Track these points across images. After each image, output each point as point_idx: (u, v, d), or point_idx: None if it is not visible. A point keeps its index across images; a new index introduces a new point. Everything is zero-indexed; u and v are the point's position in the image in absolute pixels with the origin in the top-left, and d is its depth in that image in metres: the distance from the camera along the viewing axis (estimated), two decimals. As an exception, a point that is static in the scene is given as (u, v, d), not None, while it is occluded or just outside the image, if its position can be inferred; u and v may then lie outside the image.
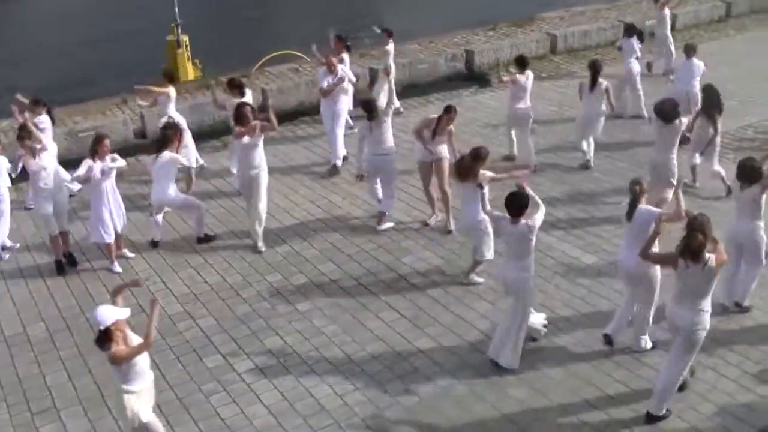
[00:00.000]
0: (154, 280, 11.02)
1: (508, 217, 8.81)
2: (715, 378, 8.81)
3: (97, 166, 10.78)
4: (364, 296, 10.55)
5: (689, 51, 15.48)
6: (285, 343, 9.64)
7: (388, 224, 12.45)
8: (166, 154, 11.44)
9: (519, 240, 8.77)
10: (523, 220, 8.73)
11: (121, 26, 30.51)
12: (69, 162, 13.24)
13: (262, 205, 11.74)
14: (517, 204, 8.79)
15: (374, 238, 12.04)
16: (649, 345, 9.20)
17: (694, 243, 7.49)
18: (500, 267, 9.48)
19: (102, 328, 6.80)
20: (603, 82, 13.76)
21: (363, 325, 9.92)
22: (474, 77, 19.35)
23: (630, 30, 16.78)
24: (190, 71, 19.88)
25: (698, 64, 15.37)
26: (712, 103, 12.59)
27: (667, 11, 19.04)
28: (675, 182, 10.89)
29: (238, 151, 11.79)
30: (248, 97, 13.44)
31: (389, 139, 12.20)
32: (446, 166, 12.00)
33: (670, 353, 8.15)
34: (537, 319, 9.41)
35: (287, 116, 16.73)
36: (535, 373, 8.98)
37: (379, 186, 12.56)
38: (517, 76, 14.15)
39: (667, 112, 11.37)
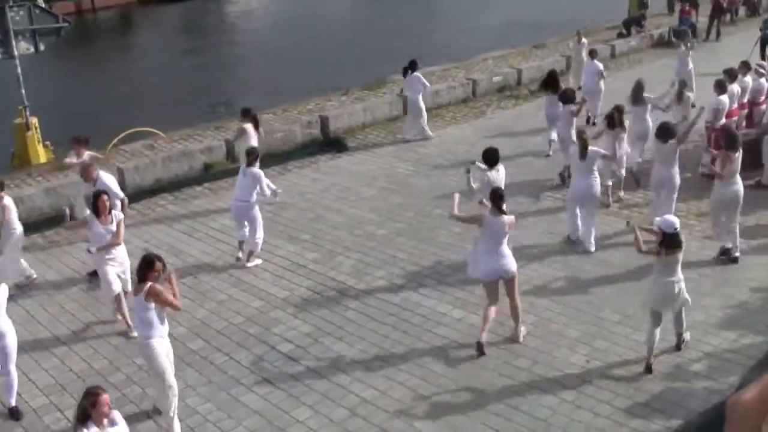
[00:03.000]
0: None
1: None
2: (589, 417, 9.07)
3: None
4: (237, 371, 10.41)
5: (593, 54, 20.48)
6: (159, 427, 9.40)
7: (257, 261, 13.31)
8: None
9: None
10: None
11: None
12: None
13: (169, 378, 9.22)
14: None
15: (243, 311, 11.93)
16: None
17: None
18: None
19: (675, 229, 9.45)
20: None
21: (238, 400, 9.77)
22: (330, 142, 19.53)
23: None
24: (41, 154, 19.36)
25: (599, 64, 20.18)
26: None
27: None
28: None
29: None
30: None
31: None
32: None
33: None
34: None
35: (145, 193, 16.52)
36: (414, 432, 9.05)
37: (247, 229, 13.35)
38: None
39: (568, 96, 16.10)
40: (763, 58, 21.83)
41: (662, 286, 9.72)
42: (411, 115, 19.68)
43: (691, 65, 20.59)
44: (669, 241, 9.50)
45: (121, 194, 13.25)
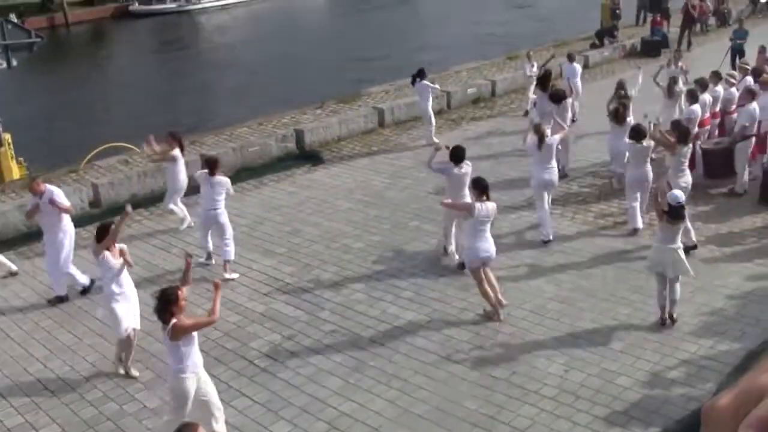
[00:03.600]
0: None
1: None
2: (568, 426, 9.09)
3: None
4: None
5: (571, 57, 21.30)
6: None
7: (234, 275, 13.29)
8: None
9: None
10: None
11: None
12: None
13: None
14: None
15: (220, 326, 11.83)
16: None
17: None
18: None
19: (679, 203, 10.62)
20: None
21: (216, 416, 9.72)
22: (306, 156, 19.51)
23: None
24: (14, 170, 19.23)
25: (578, 66, 21.39)
26: None
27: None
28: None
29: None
30: None
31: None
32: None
33: None
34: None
35: (121, 209, 16.38)
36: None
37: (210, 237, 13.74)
38: None
39: (559, 96, 17.35)
40: (733, 67, 22.02)
41: (663, 252, 10.88)
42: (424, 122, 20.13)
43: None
44: (673, 213, 10.67)
45: (68, 203, 13.03)
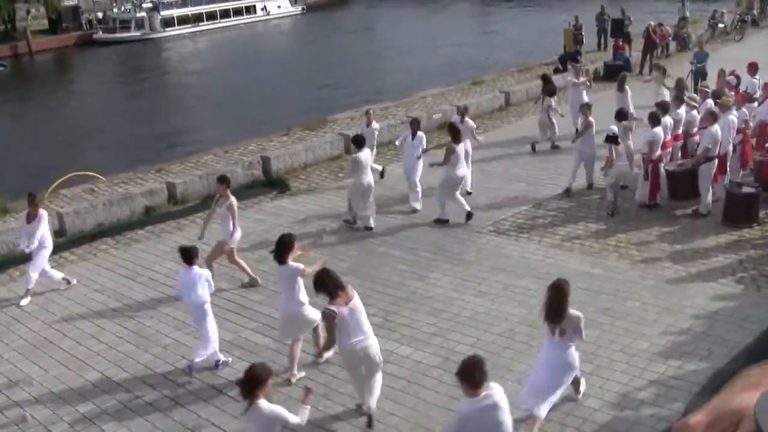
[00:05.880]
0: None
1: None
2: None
3: None
4: (184, 416, 10.26)
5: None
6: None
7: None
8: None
9: None
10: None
11: None
12: None
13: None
14: None
15: (188, 354, 11.76)
16: None
17: None
18: None
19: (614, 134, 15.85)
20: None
21: (185, 446, 9.64)
22: (272, 183, 19.48)
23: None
24: (-23, 201, 19.06)
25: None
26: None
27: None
28: None
29: None
30: None
31: None
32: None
33: None
34: None
35: (85, 238, 16.30)
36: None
37: None
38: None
39: (550, 90, 20.97)
40: (695, 91, 22.33)
41: (618, 167, 15.85)
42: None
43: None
44: (610, 140, 15.77)
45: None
